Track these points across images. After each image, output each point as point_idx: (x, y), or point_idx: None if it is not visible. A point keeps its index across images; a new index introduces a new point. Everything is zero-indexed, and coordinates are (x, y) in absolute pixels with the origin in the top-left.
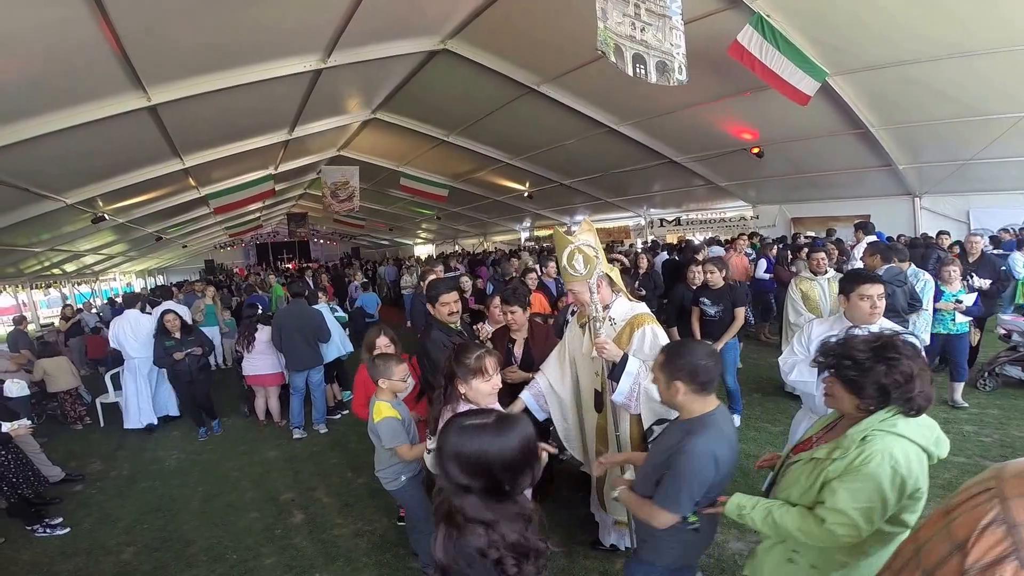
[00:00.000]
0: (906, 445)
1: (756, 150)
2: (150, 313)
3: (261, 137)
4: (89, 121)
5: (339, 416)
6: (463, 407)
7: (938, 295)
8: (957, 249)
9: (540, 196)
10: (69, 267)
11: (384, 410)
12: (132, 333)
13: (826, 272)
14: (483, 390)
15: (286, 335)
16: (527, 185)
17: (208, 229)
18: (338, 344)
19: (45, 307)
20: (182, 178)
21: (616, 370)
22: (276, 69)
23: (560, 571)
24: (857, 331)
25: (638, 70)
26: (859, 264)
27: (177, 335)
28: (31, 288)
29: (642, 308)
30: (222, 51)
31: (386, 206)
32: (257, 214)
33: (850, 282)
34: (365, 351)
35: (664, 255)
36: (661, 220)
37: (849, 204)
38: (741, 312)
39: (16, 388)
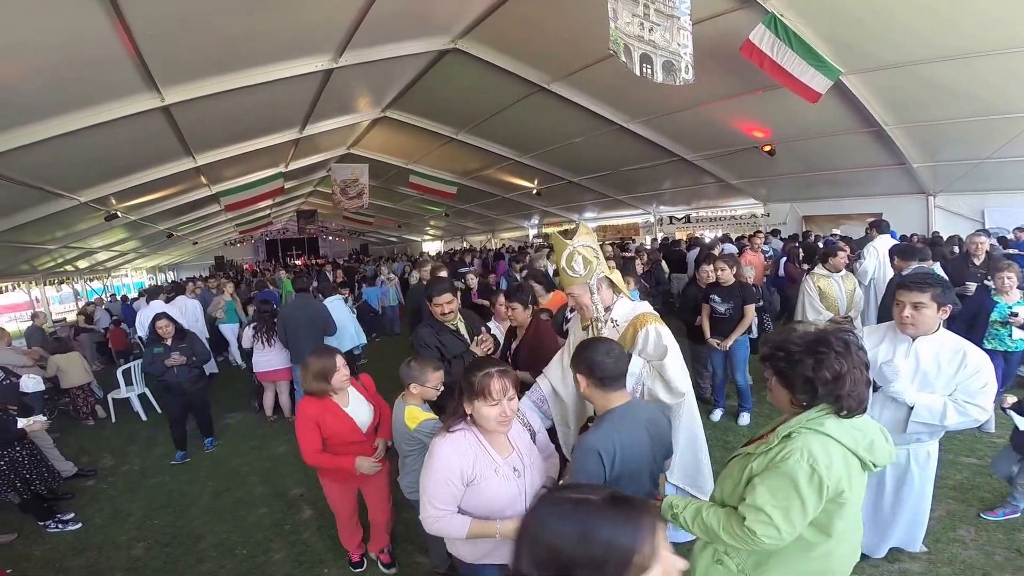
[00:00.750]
0: (829, 445)
1: (768, 148)
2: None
3: (272, 136)
4: (104, 121)
5: None
6: (461, 429)
7: (989, 305)
8: (955, 250)
9: (549, 193)
10: (82, 264)
11: (418, 414)
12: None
13: (841, 270)
14: (488, 415)
15: (291, 329)
16: (536, 182)
17: (219, 226)
18: (352, 335)
19: (57, 303)
20: (194, 176)
21: None
22: (287, 69)
23: None
24: (907, 343)
25: (645, 69)
26: (868, 263)
27: (168, 341)
28: (44, 284)
29: (645, 308)
30: (235, 52)
31: (395, 203)
32: (267, 211)
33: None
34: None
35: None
36: (671, 217)
37: (861, 202)
38: (751, 309)
39: (32, 383)
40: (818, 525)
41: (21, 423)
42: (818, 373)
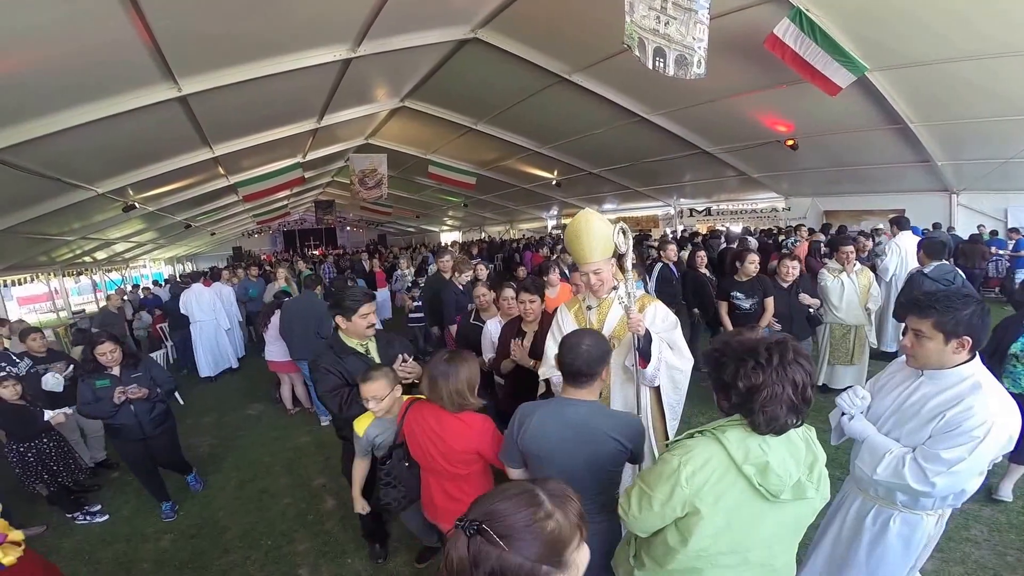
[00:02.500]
0: (715, 453)
1: (791, 142)
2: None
3: (290, 126)
4: (121, 112)
5: None
6: None
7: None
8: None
9: (568, 184)
10: (100, 255)
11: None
12: (196, 301)
13: (854, 266)
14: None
15: (286, 324)
16: (555, 173)
17: (236, 217)
18: None
19: (76, 294)
20: (212, 167)
21: (644, 345)
22: (306, 59)
23: None
24: (914, 377)
25: (657, 63)
26: (890, 260)
27: (115, 370)
28: (63, 275)
29: (642, 291)
30: (252, 42)
31: (413, 193)
32: (285, 201)
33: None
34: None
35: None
36: (691, 210)
37: (883, 198)
38: (771, 302)
39: (53, 383)
40: (680, 530)
41: (48, 415)
42: (734, 380)
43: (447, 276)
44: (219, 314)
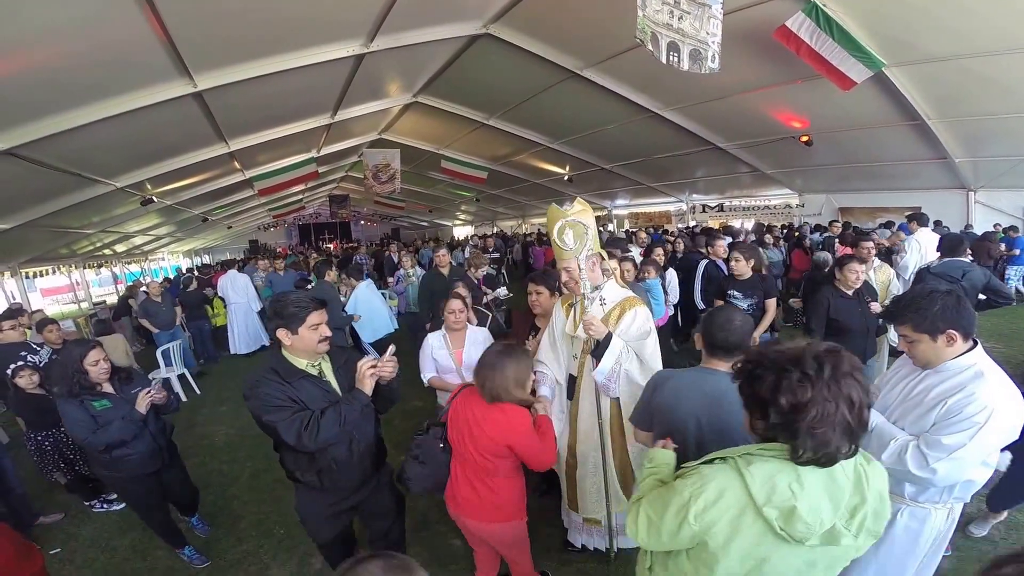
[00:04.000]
0: (731, 485)
1: (805, 138)
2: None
3: (304, 121)
4: (137, 108)
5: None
6: None
7: None
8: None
9: (580, 180)
10: (119, 247)
11: None
12: (231, 285)
13: (873, 262)
14: None
15: None
16: (567, 169)
17: (253, 211)
18: (387, 323)
19: (97, 286)
20: (227, 161)
21: (599, 348)
22: (319, 54)
23: None
24: (919, 371)
25: (672, 58)
26: (910, 257)
27: (107, 387)
28: (84, 268)
29: (632, 293)
30: (266, 37)
31: (426, 188)
32: (300, 196)
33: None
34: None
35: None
36: (703, 206)
37: (899, 195)
38: (772, 304)
39: None
40: (692, 561)
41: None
42: (774, 396)
43: (443, 271)
44: (251, 297)
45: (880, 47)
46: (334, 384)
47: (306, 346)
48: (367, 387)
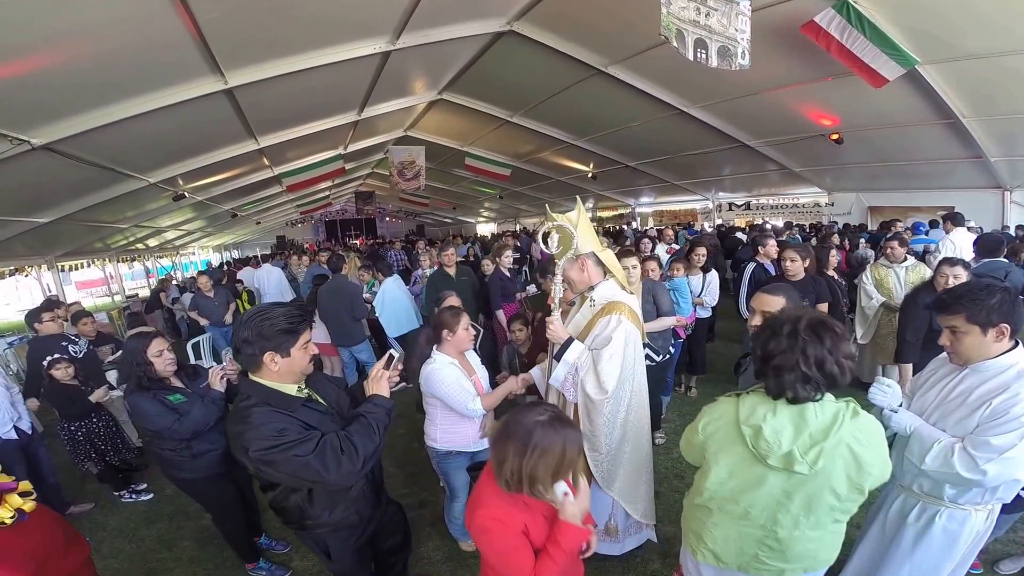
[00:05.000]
0: (727, 409)
1: (835, 136)
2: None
3: (332, 118)
4: (170, 104)
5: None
6: None
7: None
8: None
9: (604, 177)
10: (152, 242)
11: None
12: (267, 279)
13: (903, 260)
14: None
15: (321, 309)
16: (591, 166)
17: (281, 207)
18: (411, 318)
19: (130, 279)
20: (257, 158)
21: (559, 352)
22: (347, 51)
23: None
24: (957, 371)
25: (699, 54)
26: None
27: (175, 382)
28: (117, 262)
29: (624, 297)
30: (295, 35)
31: (450, 185)
32: (327, 192)
33: None
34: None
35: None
36: (730, 204)
37: (932, 195)
38: (824, 309)
39: (112, 375)
40: (701, 472)
41: (93, 396)
42: (756, 347)
43: (450, 272)
44: (284, 289)
45: (913, 44)
46: (324, 404)
47: (295, 368)
48: (386, 390)
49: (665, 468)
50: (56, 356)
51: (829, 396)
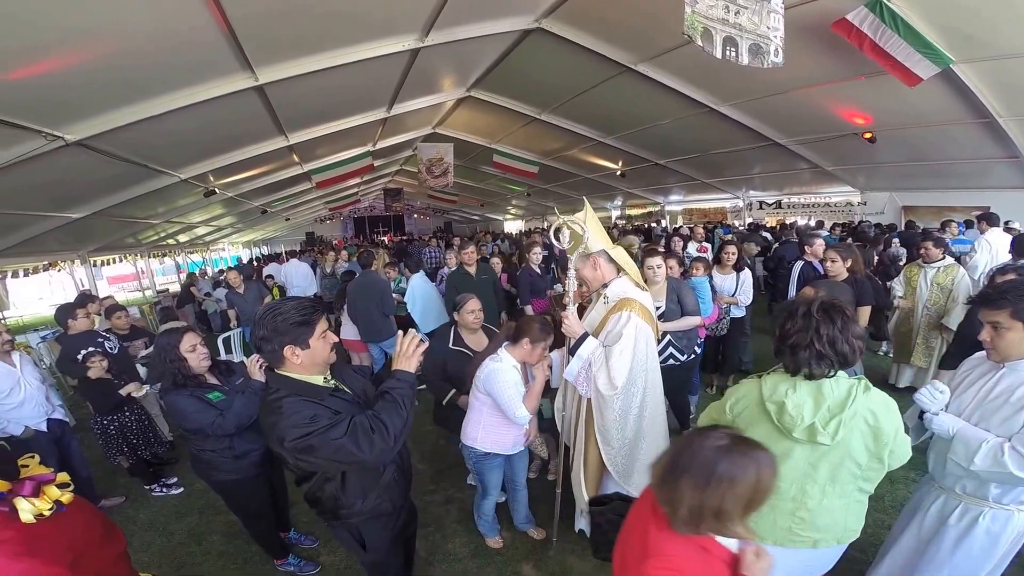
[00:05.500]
0: (752, 389)
1: (868, 135)
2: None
3: (361, 115)
4: (202, 100)
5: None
6: None
7: None
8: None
9: (633, 175)
10: (182, 237)
11: None
12: (295, 273)
13: (936, 260)
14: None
15: (350, 305)
16: (620, 164)
17: (310, 203)
18: (438, 315)
19: (161, 275)
20: (287, 155)
21: (574, 347)
22: (376, 48)
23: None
24: (995, 370)
25: (728, 52)
26: (980, 257)
27: (211, 379)
28: (149, 257)
29: (636, 294)
30: (325, 32)
31: (478, 182)
32: (355, 189)
33: None
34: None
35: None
36: (760, 203)
37: (967, 195)
38: (865, 312)
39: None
40: None
41: (123, 390)
42: (776, 328)
43: (470, 271)
44: (311, 284)
45: (948, 43)
46: (352, 394)
47: (318, 359)
48: (413, 365)
49: None
50: (91, 350)
51: (842, 373)
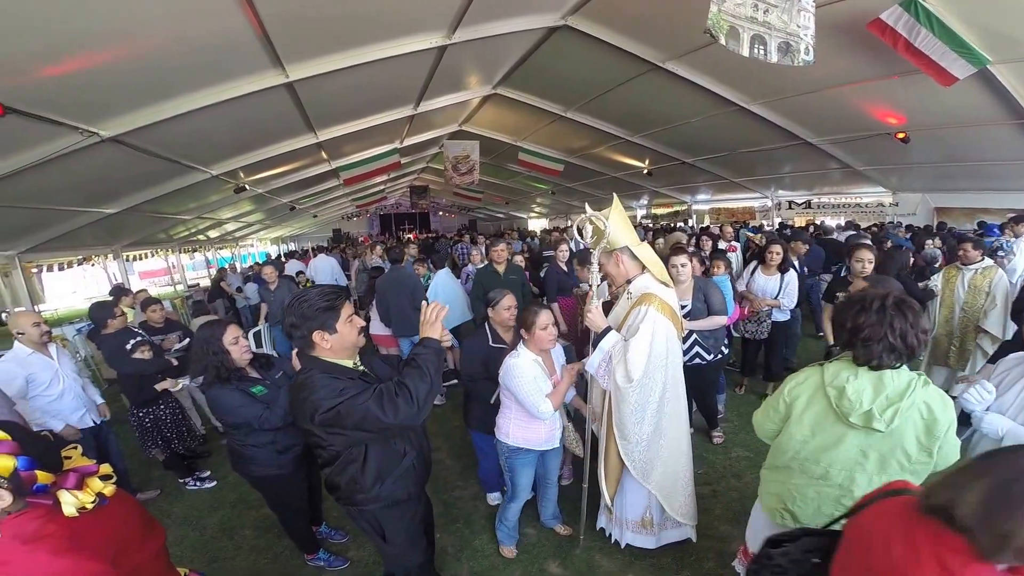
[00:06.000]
0: (813, 376)
1: (901, 135)
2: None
3: (389, 112)
4: (234, 97)
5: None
6: None
7: None
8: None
9: (660, 173)
10: (212, 233)
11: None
12: (321, 268)
13: (975, 262)
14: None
15: (381, 300)
16: (647, 162)
17: (337, 201)
18: (463, 311)
19: (191, 270)
20: (315, 151)
21: (596, 339)
22: (404, 46)
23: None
24: None
25: (756, 50)
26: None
27: (251, 371)
28: (180, 252)
29: (657, 289)
30: (355, 28)
31: (503, 180)
32: (382, 186)
33: None
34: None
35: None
36: (790, 203)
37: (1003, 197)
38: None
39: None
40: (781, 435)
41: (159, 385)
42: (843, 321)
43: (499, 269)
44: (338, 276)
45: (984, 43)
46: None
47: (346, 343)
48: (437, 331)
49: (723, 467)
50: (138, 339)
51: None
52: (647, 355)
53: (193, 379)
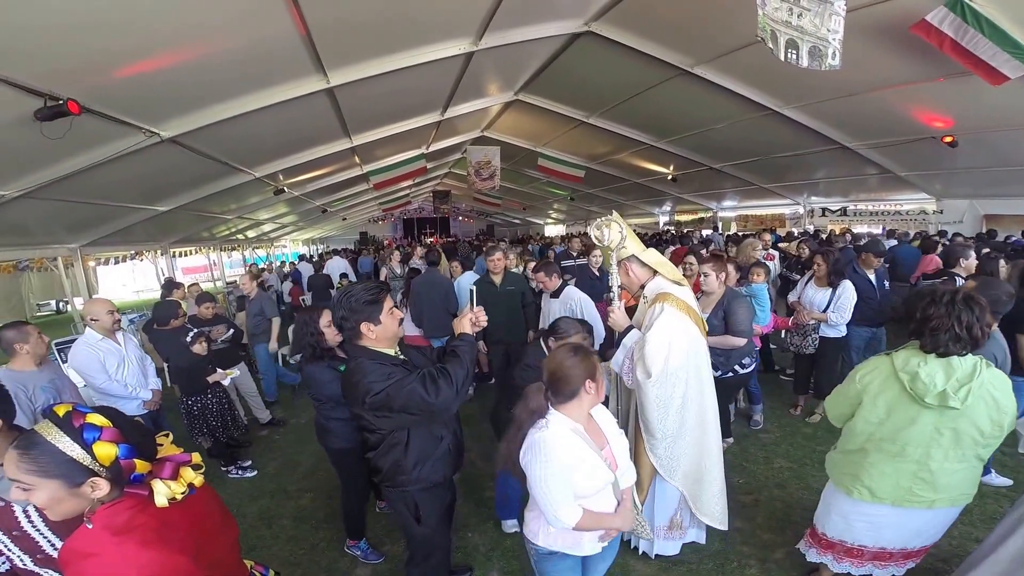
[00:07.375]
0: (883, 362)
1: (949, 139)
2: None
3: (418, 118)
4: (280, 101)
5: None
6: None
7: None
8: None
9: (684, 179)
10: (250, 233)
11: None
12: (335, 267)
13: None
14: None
15: (415, 302)
16: (671, 168)
17: (364, 204)
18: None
19: (229, 268)
20: (349, 156)
21: (618, 338)
22: (435, 52)
23: None
24: None
25: (790, 55)
26: None
27: (340, 351)
28: (220, 250)
29: (672, 288)
30: (392, 34)
31: (521, 185)
32: (407, 191)
33: None
34: None
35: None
36: (824, 209)
37: None
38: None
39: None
40: (854, 418)
41: (211, 378)
42: (912, 311)
43: (496, 279)
44: (349, 275)
45: None
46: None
47: (388, 333)
48: (467, 327)
49: (765, 477)
50: (197, 331)
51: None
52: (665, 351)
53: (292, 357)
